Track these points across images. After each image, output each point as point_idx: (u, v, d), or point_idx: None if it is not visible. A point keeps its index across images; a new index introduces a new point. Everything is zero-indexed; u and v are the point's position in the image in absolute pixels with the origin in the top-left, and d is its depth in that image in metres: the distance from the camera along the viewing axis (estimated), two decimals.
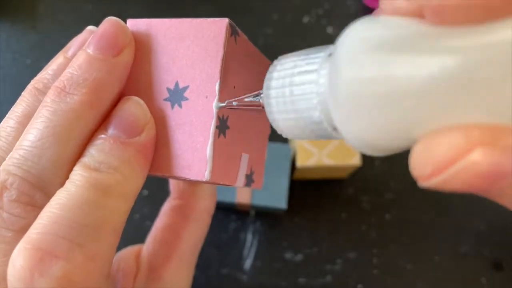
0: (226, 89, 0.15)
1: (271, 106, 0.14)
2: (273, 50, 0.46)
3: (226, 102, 0.15)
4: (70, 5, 0.45)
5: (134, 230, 0.40)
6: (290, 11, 0.46)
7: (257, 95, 0.15)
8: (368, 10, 0.45)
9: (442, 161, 0.09)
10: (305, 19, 0.45)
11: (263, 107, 0.15)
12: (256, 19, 0.45)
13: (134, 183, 0.15)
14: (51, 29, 0.45)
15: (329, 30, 0.45)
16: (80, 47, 0.17)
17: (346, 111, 0.11)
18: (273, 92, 0.14)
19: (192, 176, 0.15)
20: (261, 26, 0.45)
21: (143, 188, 0.45)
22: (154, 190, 0.40)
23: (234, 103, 0.16)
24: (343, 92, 0.11)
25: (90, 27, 0.18)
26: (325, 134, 0.13)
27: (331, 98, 0.12)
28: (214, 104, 0.15)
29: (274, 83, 0.14)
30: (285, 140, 0.41)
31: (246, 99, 0.15)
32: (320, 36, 0.45)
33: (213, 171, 0.15)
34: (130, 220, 0.40)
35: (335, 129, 0.13)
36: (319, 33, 0.45)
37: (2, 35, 0.44)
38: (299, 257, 0.38)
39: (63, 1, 0.45)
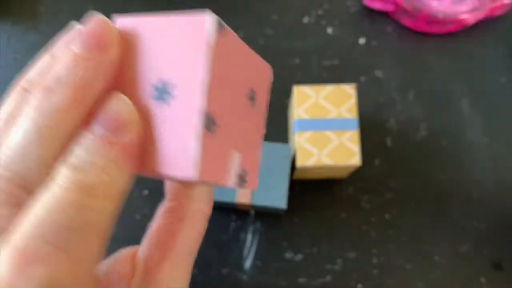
0: (212, 85, 0.15)
1: None
2: (273, 51, 0.46)
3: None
4: (70, 6, 0.45)
5: (135, 230, 0.40)
6: (290, 12, 0.46)
7: None
8: (367, 11, 0.45)
9: None
10: (305, 20, 0.45)
11: None
12: (256, 19, 0.45)
13: (120, 183, 0.15)
14: (51, 29, 0.45)
15: (329, 30, 0.45)
16: (66, 45, 0.16)
17: None
18: None
19: (180, 174, 0.15)
20: (261, 26, 0.45)
21: (143, 188, 0.45)
22: (154, 190, 0.40)
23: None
24: None
25: (75, 25, 0.17)
26: None
27: None
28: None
29: None
30: (285, 140, 0.41)
31: None
32: (320, 36, 0.45)
33: (201, 169, 0.14)
34: (130, 220, 0.40)
35: None
36: (319, 33, 0.45)
37: (3, 35, 0.44)
38: (299, 257, 0.38)
39: (63, 2, 0.45)
